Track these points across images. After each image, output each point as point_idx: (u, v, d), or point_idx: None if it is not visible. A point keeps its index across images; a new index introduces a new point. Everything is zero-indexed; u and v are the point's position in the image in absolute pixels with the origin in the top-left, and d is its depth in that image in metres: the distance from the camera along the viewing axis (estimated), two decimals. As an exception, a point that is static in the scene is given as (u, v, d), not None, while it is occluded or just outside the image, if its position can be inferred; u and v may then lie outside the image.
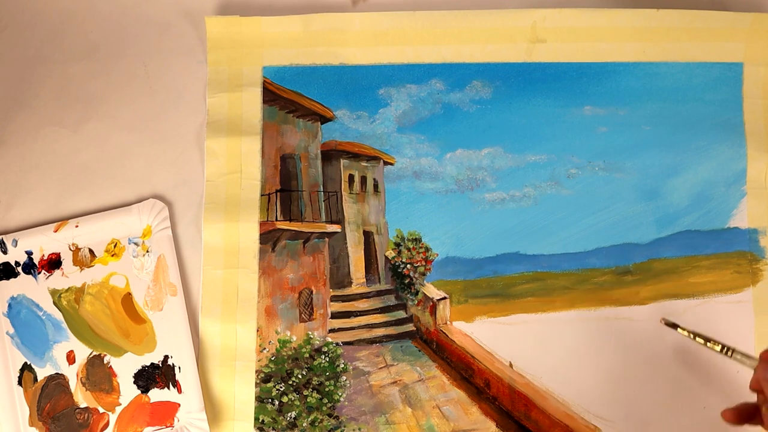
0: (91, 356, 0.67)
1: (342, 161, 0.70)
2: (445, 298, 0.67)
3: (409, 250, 0.68)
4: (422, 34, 0.69)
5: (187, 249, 0.68)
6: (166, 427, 0.65)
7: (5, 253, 0.68)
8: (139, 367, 0.66)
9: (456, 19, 0.69)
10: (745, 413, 0.56)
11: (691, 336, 0.58)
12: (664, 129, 0.68)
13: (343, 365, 0.66)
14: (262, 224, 0.68)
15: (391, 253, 0.68)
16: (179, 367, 0.65)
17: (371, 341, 0.67)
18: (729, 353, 0.57)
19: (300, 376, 0.66)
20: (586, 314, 0.66)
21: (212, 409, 0.65)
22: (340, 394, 0.66)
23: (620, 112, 0.69)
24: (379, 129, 0.69)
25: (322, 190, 0.70)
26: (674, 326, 0.60)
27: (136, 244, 0.68)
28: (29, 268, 0.68)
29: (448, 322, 0.67)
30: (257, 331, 0.67)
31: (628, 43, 0.69)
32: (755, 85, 0.68)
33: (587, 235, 0.67)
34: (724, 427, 0.54)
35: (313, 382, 0.66)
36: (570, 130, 0.69)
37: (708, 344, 0.57)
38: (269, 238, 0.68)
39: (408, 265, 0.68)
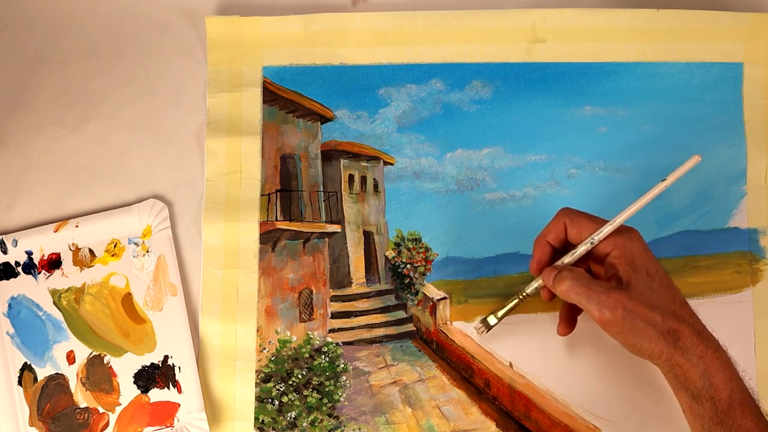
0: (91, 356, 0.67)
1: (342, 161, 0.70)
2: (445, 298, 0.67)
3: (409, 250, 0.68)
4: (422, 34, 0.69)
5: (187, 249, 0.68)
6: (166, 427, 0.65)
7: (5, 253, 0.68)
8: (139, 367, 0.66)
9: (456, 19, 0.69)
10: (569, 318, 0.61)
11: (500, 316, 0.61)
12: (664, 129, 0.68)
13: (343, 365, 0.66)
14: (262, 224, 0.68)
15: (391, 253, 0.68)
16: (179, 367, 0.65)
17: (371, 341, 0.67)
18: (523, 297, 0.60)
19: (300, 376, 0.66)
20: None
21: (212, 409, 0.65)
22: (340, 394, 0.66)
23: (620, 112, 0.69)
24: (379, 129, 0.69)
25: (322, 190, 0.69)
26: (488, 327, 0.61)
27: (136, 244, 0.68)
28: (29, 268, 0.68)
29: (448, 322, 0.67)
30: (257, 331, 0.67)
31: (628, 43, 0.69)
32: (755, 85, 0.68)
33: (587, 235, 0.67)
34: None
35: (313, 382, 0.66)
36: (570, 130, 0.69)
37: (509, 307, 0.60)
38: (269, 238, 0.68)
39: (408, 265, 0.68)
